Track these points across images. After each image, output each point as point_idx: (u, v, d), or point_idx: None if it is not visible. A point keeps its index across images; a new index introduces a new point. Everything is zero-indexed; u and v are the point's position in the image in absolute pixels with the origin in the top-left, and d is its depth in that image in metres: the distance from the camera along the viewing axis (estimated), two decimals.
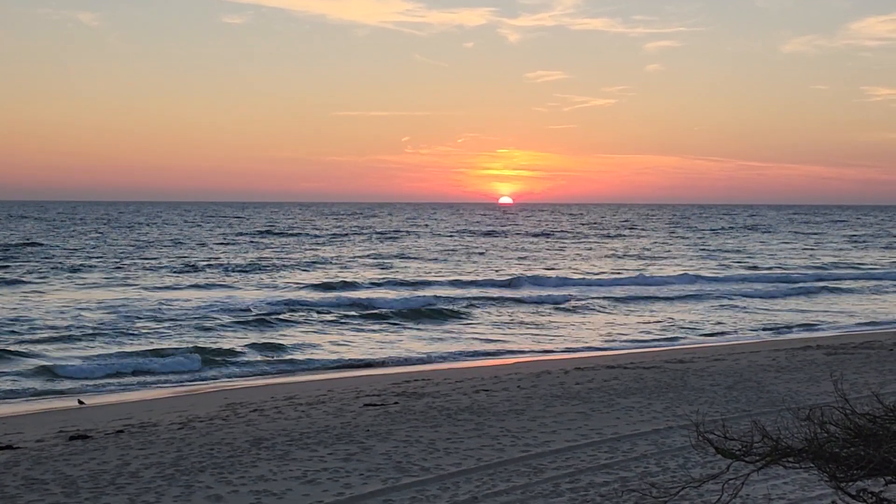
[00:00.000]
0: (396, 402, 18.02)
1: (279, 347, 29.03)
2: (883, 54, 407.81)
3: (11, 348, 27.45)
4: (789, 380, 19.98)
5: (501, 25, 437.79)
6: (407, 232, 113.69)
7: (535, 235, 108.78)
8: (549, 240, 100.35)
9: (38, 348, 27.80)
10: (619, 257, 74.45)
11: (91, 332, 30.97)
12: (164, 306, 38.01)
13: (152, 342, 29.47)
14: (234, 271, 56.50)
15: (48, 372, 24.38)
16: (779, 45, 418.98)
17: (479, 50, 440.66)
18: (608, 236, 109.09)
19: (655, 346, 30.49)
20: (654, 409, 16.82)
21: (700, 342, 31.67)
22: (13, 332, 30.81)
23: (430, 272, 58.12)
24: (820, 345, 26.66)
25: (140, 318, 34.41)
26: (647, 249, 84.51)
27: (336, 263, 64.20)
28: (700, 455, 12.45)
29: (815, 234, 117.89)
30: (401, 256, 71.66)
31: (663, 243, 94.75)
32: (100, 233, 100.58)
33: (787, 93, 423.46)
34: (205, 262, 62.12)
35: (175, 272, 55.14)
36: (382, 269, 60.39)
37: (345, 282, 49.89)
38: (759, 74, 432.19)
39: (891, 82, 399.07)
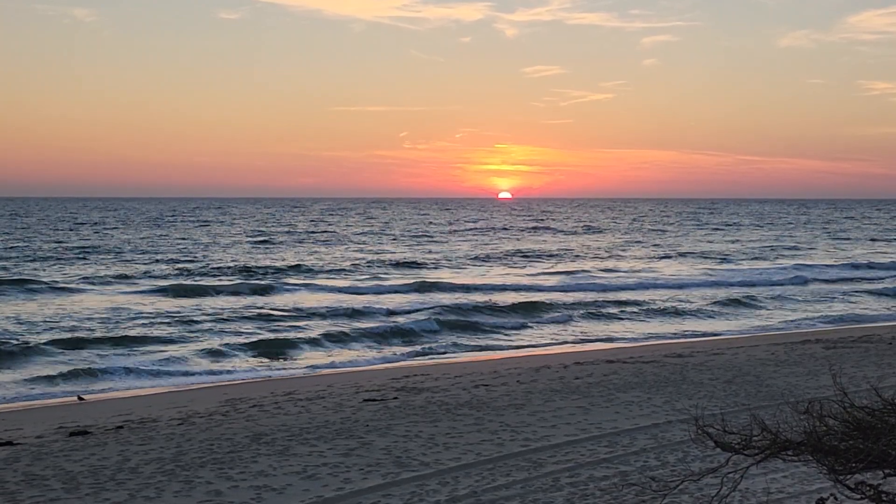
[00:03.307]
0: (396, 398, 18.04)
1: None
2: (880, 48, 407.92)
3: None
4: (788, 374, 20.01)
5: (498, 20, 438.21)
6: (475, 229, 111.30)
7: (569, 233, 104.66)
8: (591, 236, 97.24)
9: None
10: (685, 255, 70.48)
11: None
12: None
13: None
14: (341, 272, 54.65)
15: None
16: (775, 40, 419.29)
17: (476, 45, 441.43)
18: (637, 231, 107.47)
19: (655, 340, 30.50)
20: (653, 404, 16.84)
21: (699, 336, 31.70)
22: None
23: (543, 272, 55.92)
24: (819, 339, 26.69)
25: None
26: (663, 244, 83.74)
27: (444, 262, 62.37)
28: (699, 449, 12.47)
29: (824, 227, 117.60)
30: (509, 255, 69.22)
31: (703, 240, 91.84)
32: (157, 231, 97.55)
33: (783, 87, 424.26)
34: (352, 263, 59.85)
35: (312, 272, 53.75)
36: (502, 266, 59.07)
37: (449, 283, 47.55)
38: (755, 69, 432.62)
39: (888, 76, 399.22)
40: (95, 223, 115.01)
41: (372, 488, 11.59)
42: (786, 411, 7.62)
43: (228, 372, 24.80)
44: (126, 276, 48.89)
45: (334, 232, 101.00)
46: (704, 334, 32.17)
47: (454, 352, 28.53)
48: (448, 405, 17.00)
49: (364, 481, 11.90)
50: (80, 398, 20.76)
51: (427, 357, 27.50)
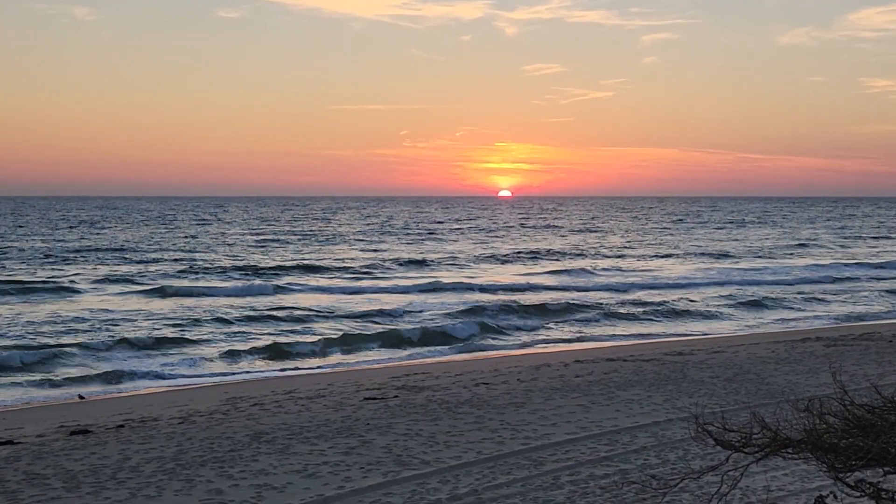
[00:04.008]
0: (396, 396, 18.04)
1: None
2: (881, 45, 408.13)
3: None
4: (788, 371, 20.00)
5: (498, 18, 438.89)
6: (502, 227, 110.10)
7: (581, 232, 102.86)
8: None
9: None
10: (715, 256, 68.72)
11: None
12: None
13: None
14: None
15: None
16: (776, 37, 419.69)
17: (477, 43, 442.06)
18: (660, 230, 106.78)
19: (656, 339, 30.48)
20: (653, 402, 16.84)
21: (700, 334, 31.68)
22: None
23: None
24: (819, 336, 26.68)
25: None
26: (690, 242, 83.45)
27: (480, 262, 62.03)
28: (700, 447, 12.44)
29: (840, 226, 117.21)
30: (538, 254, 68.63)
31: (707, 238, 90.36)
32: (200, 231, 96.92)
33: (784, 85, 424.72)
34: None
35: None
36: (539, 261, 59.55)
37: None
38: (756, 66, 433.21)
39: (888, 74, 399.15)
40: (95, 222, 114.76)
41: (372, 487, 11.59)
42: (786, 409, 7.62)
43: (230, 372, 24.79)
44: (126, 276, 48.59)
45: (336, 230, 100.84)
46: (710, 333, 32.14)
47: (476, 350, 28.51)
48: (449, 403, 17.01)
49: (364, 480, 11.90)
50: (81, 397, 20.79)
51: (427, 356, 27.48)
